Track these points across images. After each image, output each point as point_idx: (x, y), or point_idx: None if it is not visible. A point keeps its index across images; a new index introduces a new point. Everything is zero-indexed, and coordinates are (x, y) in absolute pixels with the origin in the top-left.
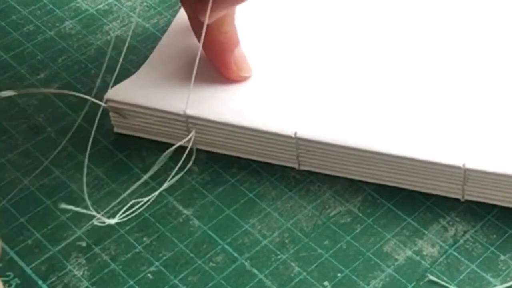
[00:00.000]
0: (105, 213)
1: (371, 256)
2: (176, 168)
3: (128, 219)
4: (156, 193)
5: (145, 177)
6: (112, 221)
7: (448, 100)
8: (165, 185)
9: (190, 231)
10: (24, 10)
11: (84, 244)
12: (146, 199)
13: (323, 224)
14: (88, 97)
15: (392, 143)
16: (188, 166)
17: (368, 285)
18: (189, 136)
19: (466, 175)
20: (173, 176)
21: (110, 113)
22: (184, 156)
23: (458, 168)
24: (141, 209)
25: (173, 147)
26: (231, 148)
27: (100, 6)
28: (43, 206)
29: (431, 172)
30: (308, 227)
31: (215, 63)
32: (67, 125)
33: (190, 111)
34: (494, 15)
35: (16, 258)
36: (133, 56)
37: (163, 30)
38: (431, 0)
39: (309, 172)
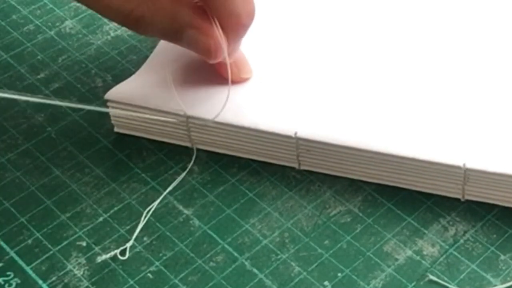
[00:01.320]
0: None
1: (371, 255)
2: (176, 168)
3: (128, 219)
4: (161, 196)
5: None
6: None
7: (448, 100)
8: (170, 188)
9: (190, 231)
10: (24, 9)
11: (84, 244)
12: (154, 204)
13: (323, 224)
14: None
15: (392, 143)
16: (189, 166)
17: (368, 284)
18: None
19: (466, 175)
20: (176, 178)
21: (110, 113)
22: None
23: (458, 168)
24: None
25: None
26: (231, 148)
27: None
28: (43, 206)
29: (431, 172)
30: (308, 227)
31: (216, 64)
32: (67, 125)
33: (190, 111)
34: (494, 15)
35: (16, 257)
36: (133, 56)
37: None
38: (431, 0)
39: (309, 172)
